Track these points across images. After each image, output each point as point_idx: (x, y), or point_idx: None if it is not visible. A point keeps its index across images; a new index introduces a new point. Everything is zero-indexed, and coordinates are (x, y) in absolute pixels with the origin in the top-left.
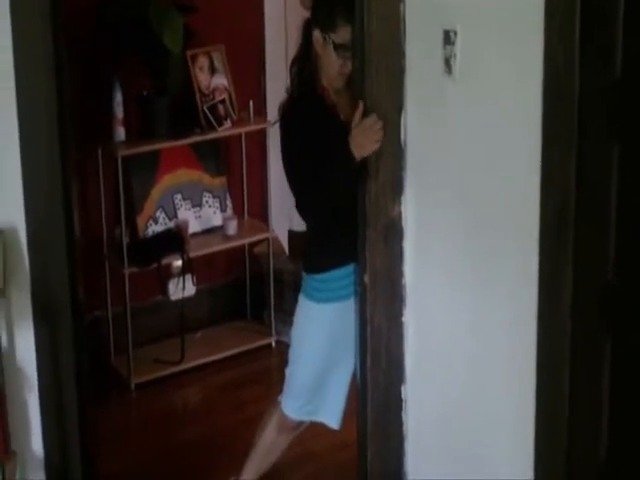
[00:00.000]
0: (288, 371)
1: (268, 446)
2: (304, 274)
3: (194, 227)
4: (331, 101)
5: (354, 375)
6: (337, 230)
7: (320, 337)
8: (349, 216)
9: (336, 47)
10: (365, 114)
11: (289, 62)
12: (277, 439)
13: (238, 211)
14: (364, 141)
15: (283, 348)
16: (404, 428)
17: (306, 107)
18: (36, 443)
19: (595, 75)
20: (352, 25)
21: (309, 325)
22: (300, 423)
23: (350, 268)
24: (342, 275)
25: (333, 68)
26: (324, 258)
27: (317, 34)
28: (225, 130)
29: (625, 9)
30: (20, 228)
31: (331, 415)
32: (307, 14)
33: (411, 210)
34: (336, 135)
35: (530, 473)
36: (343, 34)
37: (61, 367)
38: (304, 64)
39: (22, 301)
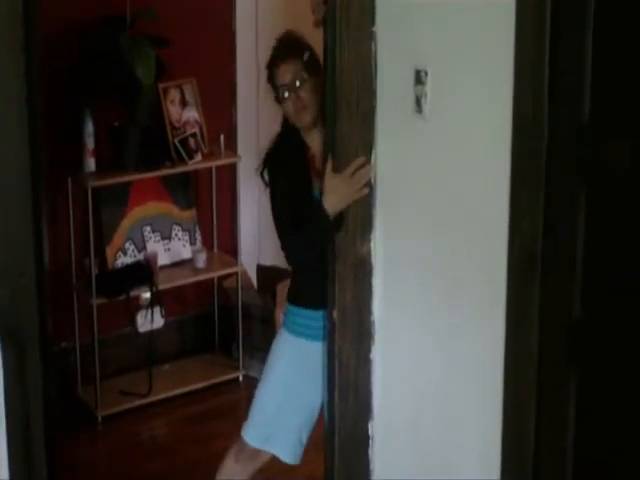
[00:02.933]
0: (254, 396)
1: (225, 474)
2: (286, 302)
3: (163, 259)
4: (307, 151)
5: (321, 412)
6: (315, 273)
7: (285, 367)
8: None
9: (279, 92)
10: (338, 165)
11: (260, 95)
12: (234, 467)
13: (207, 244)
14: (338, 196)
15: (250, 382)
16: (371, 464)
17: (285, 147)
18: (2, 473)
19: (563, 119)
20: (282, 63)
21: (278, 352)
22: (257, 453)
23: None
24: (315, 316)
25: (290, 112)
26: (300, 294)
27: (267, 85)
28: (195, 163)
29: (593, 56)
30: None
31: (286, 449)
32: None
33: (380, 247)
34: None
35: None
36: (276, 78)
37: (28, 397)
38: (285, 131)
39: None
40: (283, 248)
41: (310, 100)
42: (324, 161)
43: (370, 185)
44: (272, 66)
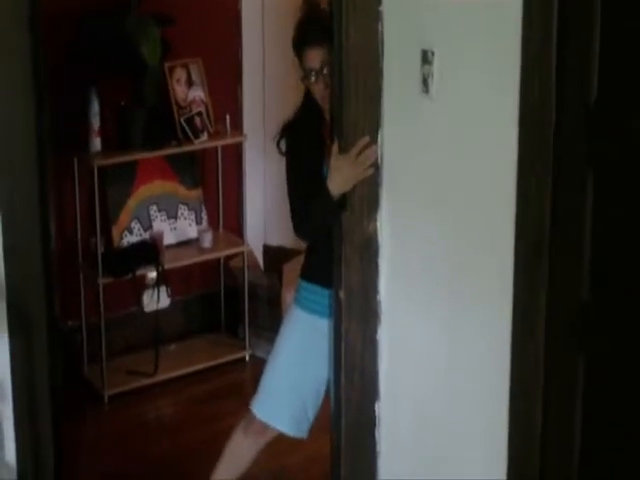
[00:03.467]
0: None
1: (233, 448)
2: (299, 278)
3: (169, 239)
4: (325, 129)
5: (327, 391)
6: (325, 250)
7: (295, 343)
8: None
9: (308, 74)
10: (344, 145)
11: (266, 75)
12: (242, 441)
13: (213, 224)
14: (343, 178)
15: (257, 362)
16: (377, 445)
17: (304, 121)
18: (9, 453)
19: (571, 102)
20: (313, 48)
21: (289, 328)
22: (265, 427)
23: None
24: (325, 294)
25: (316, 95)
26: (312, 270)
27: (300, 74)
28: (202, 143)
29: (601, 36)
30: None
31: (292, 423)
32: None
33: (387, 227)
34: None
35: None
36: (306, 61)
37: (35, 377)
38: (307, 106)
39: None
40: (292, 221)
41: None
42: (331, 141)
43: (376, 165)
44: (300, 47)
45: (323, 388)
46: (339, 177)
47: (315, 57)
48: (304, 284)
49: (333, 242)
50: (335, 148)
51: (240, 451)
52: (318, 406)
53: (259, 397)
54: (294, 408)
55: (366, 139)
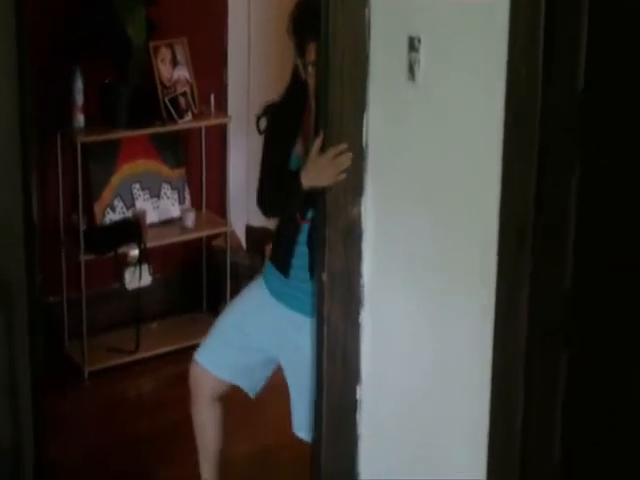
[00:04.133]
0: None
1: (196, 422)
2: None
3: (152, 217)
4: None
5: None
6: (279, 238)
7: (248, 307)
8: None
9: (305, 65)
10: (328, 133)
11: (251, 56)
12: (198, 410)
13: (196, 204)
14: (318, 175)
15: None
16: (359, 428)
17: (288, 103)
18: None
19: (557, 91)
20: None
21: (249, 290)
22: (208, 378)
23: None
24: (281, 278)
25: (311, 84)
26: (272, 252)
27: (298, 62)
28: (186, 123)
29: (589, 26)
30: None
31: (230, 371)
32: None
33: (371, 212)
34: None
35: (483, 475)
36: (310, 53)
37: (16, 352)
38: (295, 90)
39: None
40: (257, 194)
41: None
42: (316, 133)
43: (362, 148)
44: (302, 39)
45: (271, 366)
46: (313, 173)
47: (314, 51)
48: (269, 266)
49: (288, 233)
50: (317, 143)
51: (201, 420)
52: (267, 376)
53: (205, 345)
54: (236, 361)
55: (344, 146)
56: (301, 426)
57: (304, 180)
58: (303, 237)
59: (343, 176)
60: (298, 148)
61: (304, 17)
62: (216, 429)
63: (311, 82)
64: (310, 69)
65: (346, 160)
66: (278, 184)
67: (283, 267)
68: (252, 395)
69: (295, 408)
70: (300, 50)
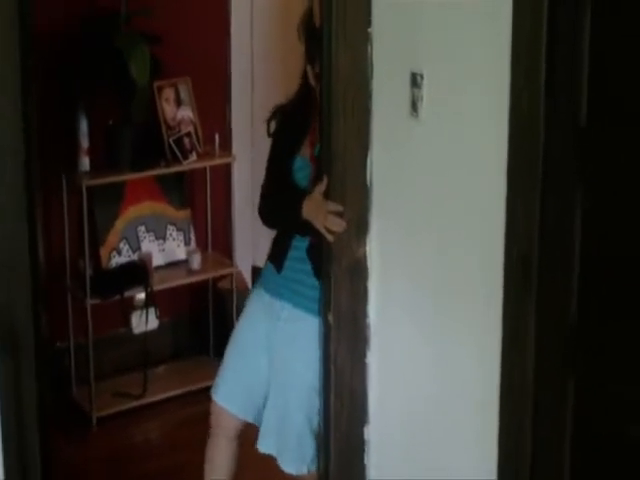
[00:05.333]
0: None
1: (209, 456)
2: None
3: (158, 260)
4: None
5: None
6: (278, 234)
7: (247, 318)
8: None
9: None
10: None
11: (255, 95)
12: (214, 444)
13: (202, 245)
14: (312, 216)
15: None
16: (366, 469)
17: (297, 108)
18: None
19: (560, 123)
20: None
21: (246, 307)
22: (224, 415)
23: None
24: (272, 271)
25: (317, 90)
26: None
27: (308, 68)
28: (190, 163)
29: (590, 57)
30: None
31: (235, 402)
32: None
33: (376, 250)
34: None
35: None
36: None
37: (23, 398)
38: (303, 96)
39: None
40: (260, 200)
41: None
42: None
43: (366, 186)
44: (310, 44)
45: (263, 379)
46: (310, 212)
47: None
48: (266, 265)
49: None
50: (322, 187)
51: (214, 456)
52: (261, 395)
53: (218, 380)
54: (250, 396)
55: (339, 208)
56: (267, 441)
57: (304, 209)
58: (297, 242)
59: (330, 237)
60: (304, 150)
61: (314, 25)
62: (228, 467)
63: (319, 89)
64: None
65: (338, 224)
66: (281, 199)
67: (278, 260)
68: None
69: (267, 417)
70: (310, 57)
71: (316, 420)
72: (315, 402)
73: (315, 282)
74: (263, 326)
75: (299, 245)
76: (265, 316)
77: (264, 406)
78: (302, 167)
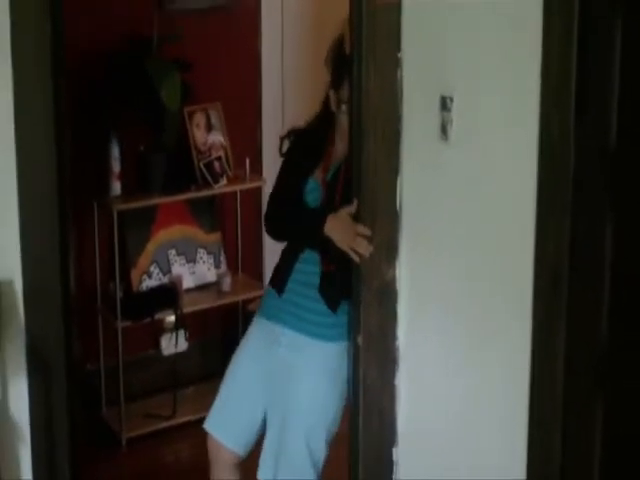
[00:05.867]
0: None
1: None
2: None
3: (188, 283)
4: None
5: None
6: (283, 258)
7: (244, 347)
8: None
9: (344, 104)
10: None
11: (285, 119)
12: (211, 471)
13: (232, 267)
14: (336, 234)
15: None
16: None
17: (313, 131)
18: None
19: (590, 145)
20: None
21: (245, 335)
22: (219, 447)
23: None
24: (273, 295)
25: (344, 125)
26: (273, 275)
27: (331, 93)
28: (221, 187)
29: (620, 79)
30: (16, 280)
31: (228, 434)
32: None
33: (405, 273)
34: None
35: None
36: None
37: (54, 420)
38: (322, 121)
39: (16, 353)
40: (265, 218)
41: None
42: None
43: (395, 210)
44: (338, 71)
45: (258, 410)
46: (337, 225)
47: None
48: (266, 289)
49: (291, 252)
50: (352, 209)
51: None
52: (255, 426)
53: (212, 411)
54: (245, 429)
55: (368, 232)
56: (266, 471)
57: (327, 226)
58: (305, 256)
59: (355, 258)
60: (317, 173)
61: (344, 51)
62: None
63: (340, 117)
64: (343, 107)
65: (366, 247)
66: (294, 215)
67: (280, 282)
68: (245, 456)
69: (266, 446)
70: (336, 83)
71: (319, 453)
72: (318, 434)
73: (323, 308)
74: (262, 354)
75: (304, 269)
76: (264, 343)
77: (253, 437)
78: (313, 189)
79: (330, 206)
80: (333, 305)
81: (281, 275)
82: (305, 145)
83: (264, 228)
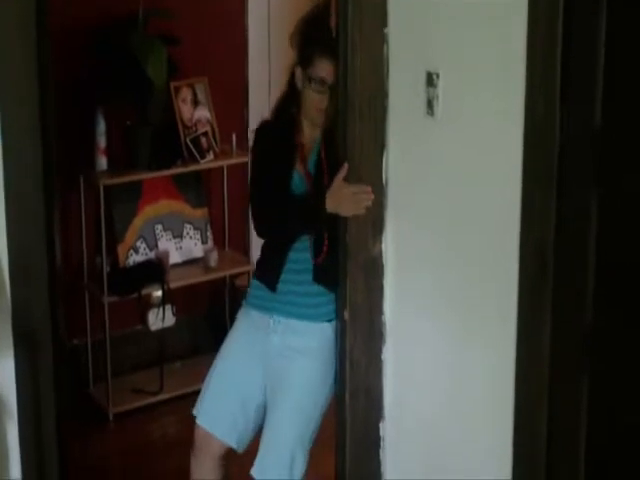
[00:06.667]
0: None
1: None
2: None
3: (175, 258)
4: (300, 135)
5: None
6: (269, 252)
7: (233, 338)
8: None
9: (312, 81)
10: (350, 170)
11: (272, 95)
12: (196, 464)
13: (219, 243)
14: (338, 205)
15: None
16: (382, 465)
17: (279, 123)
18: (14, 472)
19: (575, 122)
20: (330, 61)
21: (234, 325)
22: (207, 437)
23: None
24: (260, 287)
25: (311, 103)
26: (258, 268)
27: (298, 71)
28: (207, 163)
29: (605, 57)
30: (2, 255)
31: (218, 424)
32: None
33: (391, 247)
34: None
35: None
36: (319, 69)
37: (40, 395)
38: (288, 101)
39: (2, 329)
40: (252, 215)
41: (330, 103)
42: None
43: (382, 184)
44: (312, 53)
45: (250, 400)
46: (336, 198)
47: (331, 71)
48: (253, 281)
49: (279, 246)
50: (342, 173)
51: (202, 476)
52: (257, 428)
53: (200, 401)
54: (235, 420)
55: (367, 188)
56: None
57: (328, 202)
58: (298, 245)
59: (362, 211)
60: (297, 165)
61: (314, 29)
62: None
63: (313, 99)
64: (314, 85)
65: (366, 199)
66: (291, 210)
67: (272, 279)
68: (241, 450)
69: (266, 445)
70: (305, 61)
71: (308, 435)
72: (311, 413)
73: (319, 289)
74: (254, 344)
75: (298, 258)
76: (256, 334)
77: (247, 430)
78: (297, 182)
79: (319, 197)
80: (332, 287)
81: (273, 270)
82: (274, 138)
83: (255, 231)
